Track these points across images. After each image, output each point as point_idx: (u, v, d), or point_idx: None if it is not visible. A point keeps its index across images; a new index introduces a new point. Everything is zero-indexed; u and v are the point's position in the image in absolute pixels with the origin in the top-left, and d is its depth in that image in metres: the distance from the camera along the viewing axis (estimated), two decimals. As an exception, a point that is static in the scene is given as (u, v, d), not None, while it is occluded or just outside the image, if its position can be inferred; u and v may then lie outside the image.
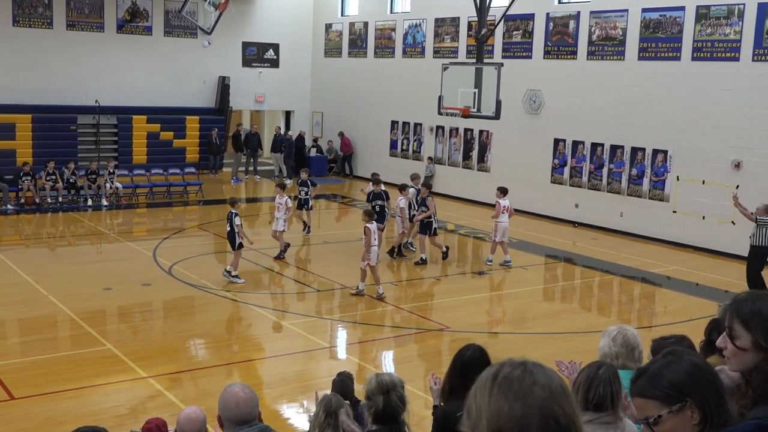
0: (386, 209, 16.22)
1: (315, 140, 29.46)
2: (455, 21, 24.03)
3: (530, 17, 21.75)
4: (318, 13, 29.56)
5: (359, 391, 6.41)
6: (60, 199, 21.36)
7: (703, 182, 17.87)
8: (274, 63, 29.11)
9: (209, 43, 25.68)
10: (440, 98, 18.33)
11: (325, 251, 16.91)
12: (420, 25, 25.39)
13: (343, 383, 6.54)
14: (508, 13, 20.08)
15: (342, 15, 28.79)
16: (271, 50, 28.95)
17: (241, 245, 14.18)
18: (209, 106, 27.60)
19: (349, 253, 15.83)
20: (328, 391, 5.86)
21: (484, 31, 18.60)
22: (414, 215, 16.30)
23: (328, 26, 29.21)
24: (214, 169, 26.86)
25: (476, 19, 19.16)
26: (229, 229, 14.28)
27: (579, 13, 20.55)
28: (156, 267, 15.13)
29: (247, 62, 28.52)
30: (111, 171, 22.01)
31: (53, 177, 21.36)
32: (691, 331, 5.97)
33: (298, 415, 8.95)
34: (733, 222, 16.66)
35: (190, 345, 11.36)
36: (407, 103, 25.65)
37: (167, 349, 10.86)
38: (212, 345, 11.29)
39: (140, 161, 25.12)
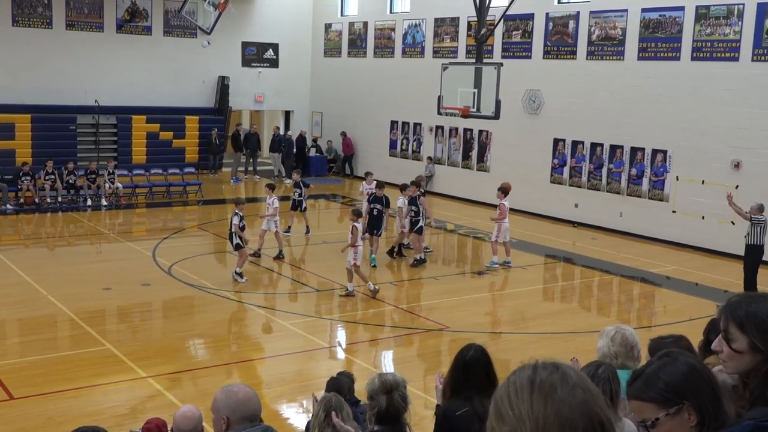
0: (383, 215, 15.88)
1: (314, 140, 29.45)
2: (455, 21, 24.03)
3: (530, 17, 21.75)
4: (317, 13, 29.55)
5: (360, 391, 6.40)
6: (59, 199, 21.36)
7: (703, 182, 17.88)
8: (274, 63, 29.09)
9: (209, 42, 25.71)
10: (440, 98, 18.33)
11: (325, 251, 16.90)
12: (419, 25, 25.38)
13: (336, 382, 6.52)
14: (508, 13, 20.08)
15: (341, 15, 28.79)
16: (270, 50, 28.94)
17: (239, 245, 14.21)
18: (209, 106, 27.60)
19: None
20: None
21: (483, 31, 18.60)
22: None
23: (328, 26, 29.21)
24: (214, 169, 26.87)
25: (476, 19, 19.17)
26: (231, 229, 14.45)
27: (578, 13, 20.55)
28: (155, 267, 15.13)
29: (246, 62, 28.50)
30: (110, 171, 22.01)
31: (52, 177, 21.37)
32: (690, 331, 5.98)
33: (297, 415, 8.96)
34: (732, 222, 16.66)
35: (189, 345, 11.37)
36: (407, 103, 25.64)
37: (167, 349, 10.87)
38: (212, 345, 11.30)
39: (140, 161, 25.11)
